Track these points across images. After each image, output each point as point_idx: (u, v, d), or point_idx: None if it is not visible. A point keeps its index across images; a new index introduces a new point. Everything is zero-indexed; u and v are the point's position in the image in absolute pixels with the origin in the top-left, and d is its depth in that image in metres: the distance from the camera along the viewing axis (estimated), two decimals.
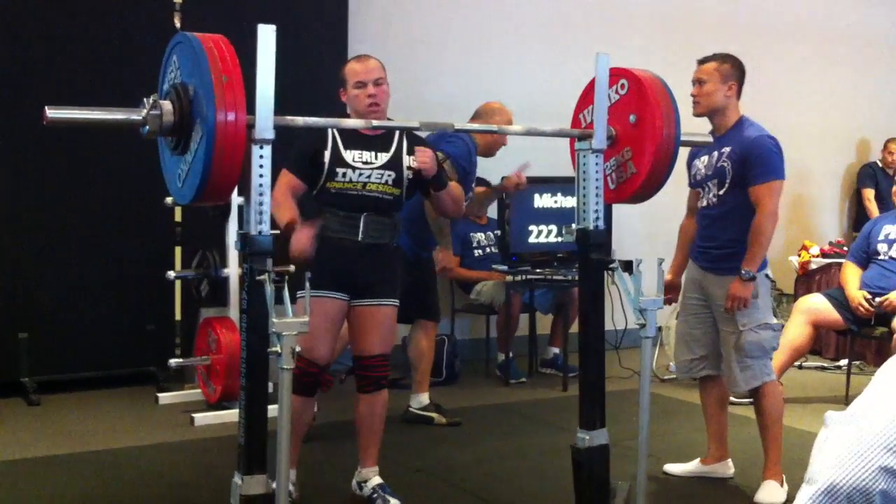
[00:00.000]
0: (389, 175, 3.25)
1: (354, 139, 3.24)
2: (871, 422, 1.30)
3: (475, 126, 3.06)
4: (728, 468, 3.82)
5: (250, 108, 2.33)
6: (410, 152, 3.30)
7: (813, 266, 6.50)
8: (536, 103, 5.76)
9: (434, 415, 4.64)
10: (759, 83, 6.84)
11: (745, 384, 3.55)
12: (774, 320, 3.63)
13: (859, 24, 8.13)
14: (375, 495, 3.41)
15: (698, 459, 3.83)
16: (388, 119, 3.33)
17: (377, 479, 3.45)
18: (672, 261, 3.86)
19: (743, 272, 3.45)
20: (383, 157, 3.25)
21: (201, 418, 4.53)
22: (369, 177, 3.23)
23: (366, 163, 3.23)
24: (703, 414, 3.85)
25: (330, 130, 3.21)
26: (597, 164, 2.99)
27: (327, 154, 3.22)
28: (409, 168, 3.29)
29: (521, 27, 6.56)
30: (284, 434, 2.36)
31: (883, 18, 8.24)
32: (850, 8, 8.08)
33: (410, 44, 6.09)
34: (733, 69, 3.59)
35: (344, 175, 3.21)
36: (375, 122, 2.91)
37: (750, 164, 3.48)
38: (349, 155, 3.22)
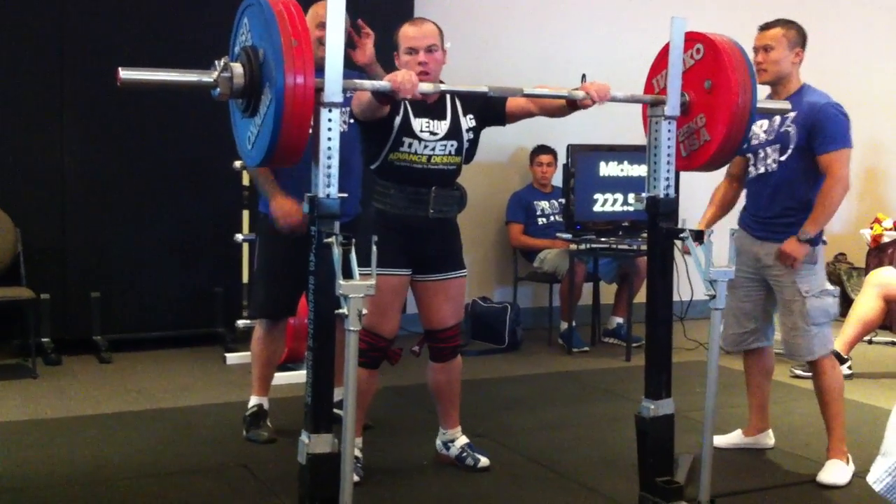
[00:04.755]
0: (452, 145, 3.19)
1: (421, 107, 3.13)
2: None
3: (546, 91, 3.00)
4: (769, 438, 3.80)
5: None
6: (466, 112, 3.21)
7: (885, 239, 6.33)
8: (606, 69, 5.64)
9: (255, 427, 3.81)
10: (828, 48, 6.71)
11: (810, 353, 3.48)
12: (831, 287, 3.57)
13: None
14: (464, 454, 3.49)
15: (739, 430, 3.81)
16: (441, 81, 3.12)
17: (464, 439, 3.53)
18: (703, 215, 3.80)
19: (801, 233, 3.39)
20: (444, 126, 3.17)
21: None
22: (434, 149, 3.15)
23: (432, 133, 3.14)
24: (745, 386, 3.81)
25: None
26: (669, 130, 2.94)
27: (398, 120, 3.11)
28: (469, 130, 3.22)
29: None
30: (351, 393, 2.38)
31: None
32: None
33: (477, 8, 6.03)
34: (798, 35, 3.51)
35: (410, 146, 3.13)
36: (444, 87, 2.88)
37: (817, 131, 3.39)
38: (417, 124, 3.13)
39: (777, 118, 3.47)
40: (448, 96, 3.19)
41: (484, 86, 2.75)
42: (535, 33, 6.23)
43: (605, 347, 5.77)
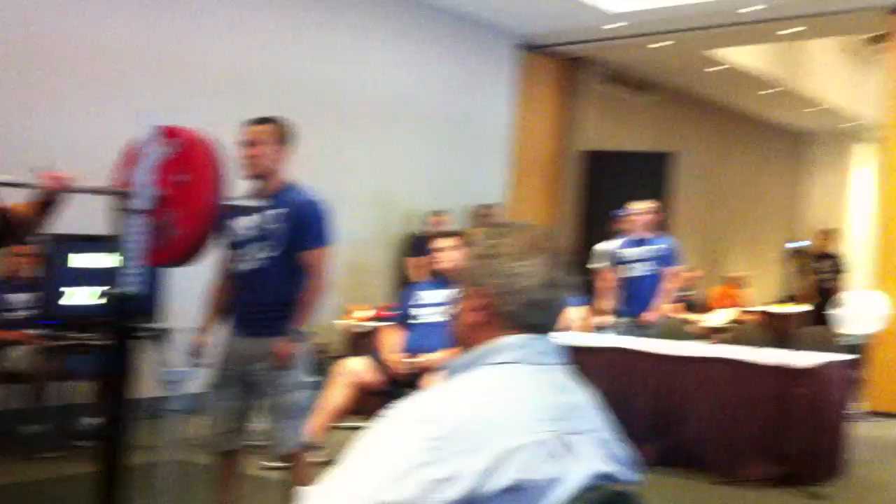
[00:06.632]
0: None
1: None
2: (338, 496, 1.38)
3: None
4: None
5: None
6: None
7: (360, 329, 6.84)
8: (85, 155, 5.45)
9: None
10: (315, 148, 7.21)
11: (284, 446, 3.60)
12: (310, 379, 3.73)
13: (416, 103, 8.88)
14: None
15: None
16: None
17: None
18: (205, 320, 3.79)
19: (293, 332, 3.51)
20: None
21: None
22: None
23: None
24: (215, 483, 3.76)
25: None
26: (138, 224, 2.87)
27: None
28: None
29: (73, 76, 6.18)
30: None
31: (431, 99, 9.06)
32: (409, 87, 8.81)
33: None
34: (286, 133, 3.66)
35: None
36: None
37: (303, 228, 3.55)
38: None
39: (263, 214, 3.56)
40: None
41: None
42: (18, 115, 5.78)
43: (81, 450, 5.37)
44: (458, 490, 1.36)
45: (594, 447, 1.51)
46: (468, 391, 1.49)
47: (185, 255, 3.01)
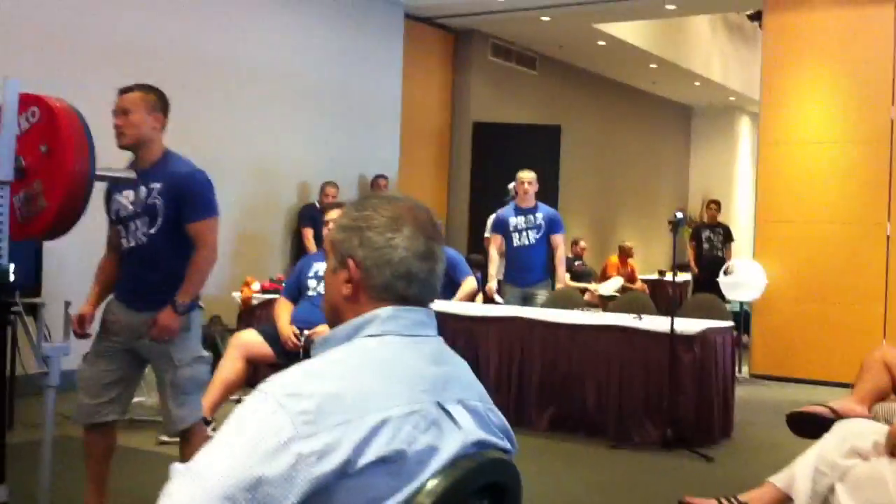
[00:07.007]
0: None
1: None
2: (210, 472, 1.32)
3: None
4: None
5: None
6: None
7: (255, 301, 6.71)
8: None
9: None
10: (199, 120, 7.03)
11: (181, 422, 3.48)
12: (205, 353, 3.62)
13: (305, 75, 8.71)
14: None
15: None
16: None
17: None
18: (90, 294, 3.62)
19: (177, 304, 3.39)
20: None
21: None
22: None
23: None
24: (86, 460, 3.57)
25: None
26: (2, 196, 2.73)
27: None
28: None
29: None
30: None
31: (322, 69, 8.91)
32: (298, 59, 8.63)
33: None
34: (159, 101, 3.48)
35: None
36: None
37: (185, 200, 3.40)
38: None
39: (143, 189, 3.41)
40: None
41: None
42: None
43: None
44: (332, 463, 1.33)
45: (469, 416, 1.50)
46: (339, 364, 1.46)
47: (53, 227, 2.89)
